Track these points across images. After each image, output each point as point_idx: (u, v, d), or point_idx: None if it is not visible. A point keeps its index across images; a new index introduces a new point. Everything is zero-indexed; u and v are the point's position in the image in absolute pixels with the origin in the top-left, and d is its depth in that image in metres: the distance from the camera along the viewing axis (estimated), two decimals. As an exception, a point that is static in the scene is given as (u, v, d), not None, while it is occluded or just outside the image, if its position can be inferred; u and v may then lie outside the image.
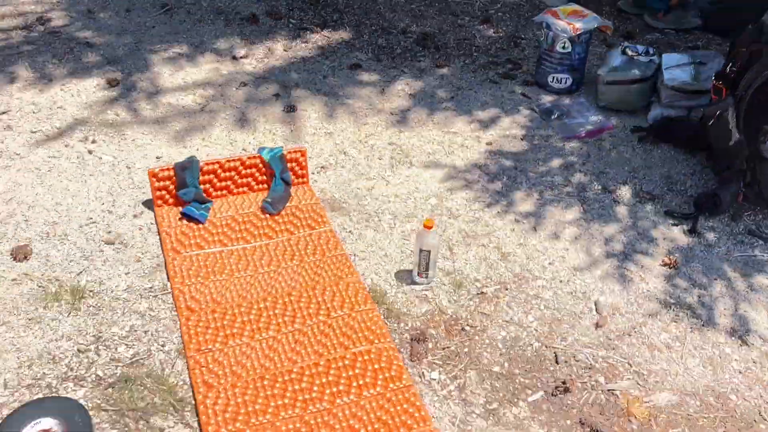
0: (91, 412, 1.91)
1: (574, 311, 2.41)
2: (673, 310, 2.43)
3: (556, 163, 3.15)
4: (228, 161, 2.73)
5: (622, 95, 3.45)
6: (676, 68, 3.34)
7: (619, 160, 3.18)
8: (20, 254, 2.38)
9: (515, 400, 2.09)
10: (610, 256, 2.66)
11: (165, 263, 2.44)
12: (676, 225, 2.82)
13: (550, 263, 2.60)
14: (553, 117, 3.45)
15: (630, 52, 3.48)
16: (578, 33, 3.46)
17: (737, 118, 2.79)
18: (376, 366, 2.13)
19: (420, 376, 2.14)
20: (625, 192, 2.98)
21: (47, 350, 2.09)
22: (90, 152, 2.95)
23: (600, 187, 3.00)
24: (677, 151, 3.21)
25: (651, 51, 3.50)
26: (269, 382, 2.05)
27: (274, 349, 2.16)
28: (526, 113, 3.49)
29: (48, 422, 1.85)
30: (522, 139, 3.29)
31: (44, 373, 2.02)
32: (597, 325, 2.36)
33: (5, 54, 3.59)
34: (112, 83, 3.41)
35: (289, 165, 2.82)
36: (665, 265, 2.61)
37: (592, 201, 2.93)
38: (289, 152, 2.81)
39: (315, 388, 2.05)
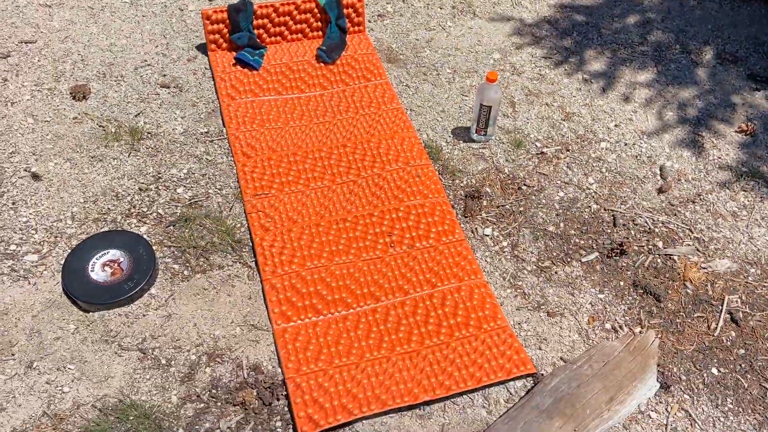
0: (153, 247, 1.99)
1: (638, 175, 2.32)
2: (744, 178, 2.31)
3: (632, 19, 2.91)
4: (282, 5, 2.60)
5: (715, -57, 3.09)
6: None
7: (703, 17, 2.91)
8: (79, 93, 2.39)
9: (568, 259, 2.07)
10: (682, 120, 2.50)
11: (220, 109, 2.42)
12: (759, 90, 2.61)
13: (616, 125, 2.48)
14: (633, -33, 3.14)
15: None
16: None
17: None
18: (429, 219, 2.13)
19: (473, 232, 2.14)
20: (706, 52, 2.75)
21: (110, 187, 2.15)
22: (142, -8, 2.86)
23: (679, 47, 2.77)
24: (771, 9, 2.92)
25: None
26: (324, 229, 2.08)
27: (328, 198, 2.17)
28: (603, -38, 3.18)
29: (114, 254, 1.94)
30: (597, -9, 3.02)
31: (109, 208, 2.09)
32: (660, 191, 2.27)
33: None
34: None
35: (345, 11, 2.68)
36: (742, 132, 2.46)
37: (669, 61, 2.72)
38: (346, -3, 2.66)
39: (369, 237, 2.07)
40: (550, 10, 2.94)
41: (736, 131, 2.47)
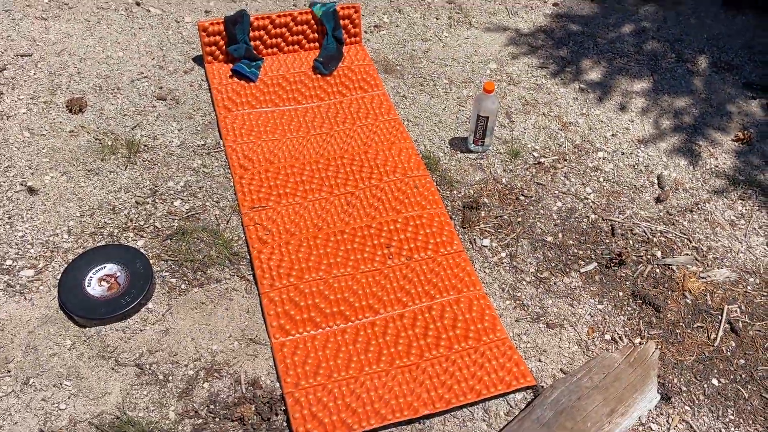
0: (150, 261, 1.98)
1: (635, 185, 2.32)
2: (742, 187, 2.31)
3: (628, 28, 2.92)
4: (279, 16, 2.60)
5: (709, -48, 3.11)
6: None
7: (697, 26, 2.92)
8: (75, 106, 2.38)
9: (567, 270, 2.07)
10: (678, 129, 2.51)
11: (217, 121, 2.41)
12: (755, 98, 2.62)
13: (613, 135, 2.48)
14: (628, -24, 3.15)
15: None
16: None
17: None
18: (428, 231, 2.12)
19: (471, 243, 2.13)
20: (701, 61, 2.76)
21: (107, 201, 2.14)
22: (138, 4, 2.85)
23: (674, 56, 2.78)
24: (765, 18, 2.92)
25: None
26: (322, 241, 2.07)
27: (326, 210, 2.17)
28: (598, -28, 3.19)
29: (111, 268, 1.93)
30: (592, 1, 3.03)
31: (105, 222, 2.08)
32: (658, 200, 2.27)
33: None
34: (156, -69, 3.23)
35: (341, 22, 2.68)
36: (738, 140, 2.46)
37: (665, 70, 2.73)
38: (342, 8, 2.66)
39: (367, 249, 2.06)
40: (546, 20, 2.94)
41: (732, 139, 2.47)
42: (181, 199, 2.17)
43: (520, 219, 2.20)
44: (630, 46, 2.83)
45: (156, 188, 2.19)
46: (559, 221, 2.20)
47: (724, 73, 2.71)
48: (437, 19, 2.92)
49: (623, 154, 2.41)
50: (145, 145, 2.31)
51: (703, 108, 2.58)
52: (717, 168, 2.38)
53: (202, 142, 2.35)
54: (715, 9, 2.99)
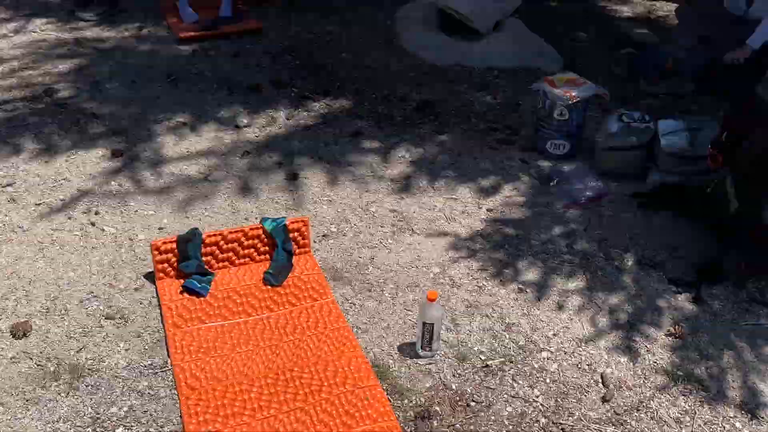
0: (86, 500, 1.86)
1: (581, 384, 2.37)
2: (682, 382, 2.39)
3: (557, 230, 3.16)
4: (231, 233, 2.74)
5: (620, 161, 3.49)
6: (672, 134, 3.39)
7: (619, 226, 3.19)
8: (19, 331, 2.36)
9: (523, 481, 2.03)
10: (615, 326, 2.63)
11: (166, 338, 2.41)
12: (680, 293, 2.80)
13: (554, 334, 2.58)
14: (552, 183, 3.48)
15: (626, 119, 3.53)
16: (575, 101, 3.52)
17: (735, 187, 2.82)
18: (380, 446, 2.08)
19: (425, 456, 2.09)
20: (627, 259, 2.98)
21: (44, 433, 2.05)
22: (93, 224, 2.96)
23: (602, 255, 3.00)
24: (678, 217, 3.23)
25: (647, 118, 3.56)
26: (270, 466, 2.00)
27: (275, 429, 2.12)
28: (525, 179, 3.52)
29: None
30: (523, 206, 3.31)
31: (40, 458, 1.98)
32: (604, 399, 2.31)
33: (11, 126, 3.65)
34: (116, 154, 3.46)
35: (291, 235, 2.83)
36: (671, 335, 2.59)
37: (595, 269, 2.92)
38: (292, 222, 2.82)
39: (317, 471, 1.99)
40: (482, 225, 3.17)
41: (665, 334, 2.60)
42: (124, 426, 2.09)
43: (472, 427, 2.19)
44: (562, 247, 3.05)
45: (98, 416, 2.11)
46: (511, 427, 2.20)
47: (649, 269, 2.92)
48: (382, 227, 3.11)
49: (566, 353, 2.49)
50: (90, 369, 2.27)
51: (635, 304, 2.74)
52: (656, 364, 2.47)
53: (149, 362, 2.33)
54: (632, 210, 3.30)
